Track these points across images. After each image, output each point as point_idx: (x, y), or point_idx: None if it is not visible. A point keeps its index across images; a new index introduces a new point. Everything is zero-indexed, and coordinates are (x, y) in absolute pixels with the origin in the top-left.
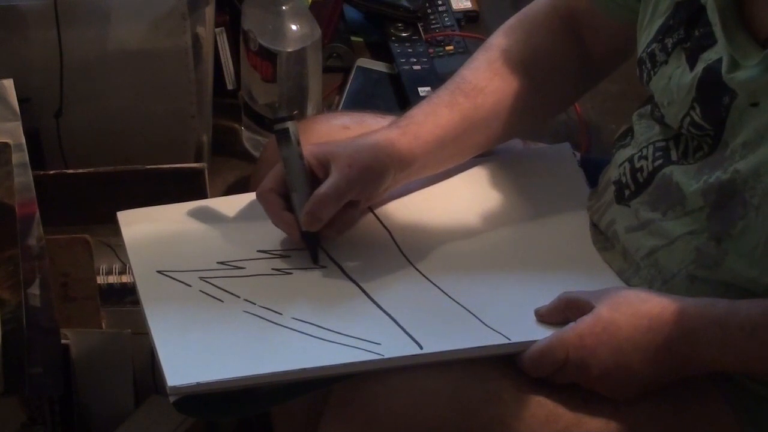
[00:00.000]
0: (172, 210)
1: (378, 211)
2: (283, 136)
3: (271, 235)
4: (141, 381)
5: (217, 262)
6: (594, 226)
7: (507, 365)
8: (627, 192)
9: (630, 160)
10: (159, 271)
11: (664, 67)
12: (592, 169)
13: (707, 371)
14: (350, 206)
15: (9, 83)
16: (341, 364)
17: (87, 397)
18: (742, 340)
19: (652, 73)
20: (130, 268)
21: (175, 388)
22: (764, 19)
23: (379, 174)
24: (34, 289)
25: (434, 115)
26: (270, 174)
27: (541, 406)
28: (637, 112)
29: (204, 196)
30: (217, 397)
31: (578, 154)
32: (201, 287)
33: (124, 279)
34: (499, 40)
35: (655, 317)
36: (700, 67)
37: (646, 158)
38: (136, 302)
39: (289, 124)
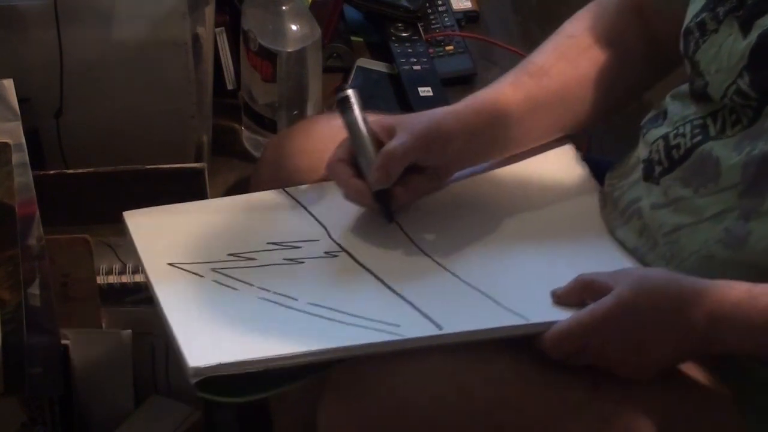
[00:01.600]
0: (177, 209)
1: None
2: (346, 104)
3: (280, 228)
4: (141, 381)
5: (228, 254)
6: (612, 204)
7: (510, 347)
8: (659, 169)
9: (665, 137)
10: (170, 264)
11: (715, 35)
12: (592, 169)
13: (727, 354)
14: (418, 172)
15: (9, 83)
16: (362, 344)
17: (87, 397)
18: (762, 323)
19: (700, 41)
20: (140, 264)
21: (197, 369)
22: None
23: (444, 135)
24: (34, 289)
25: (497, 93)
26: (337, 147)
27: (549, 388)
28: (671, 93)
29: (204, 196)
30: (231, 379)
31: (580, 153)
32: (214, 278)
33: (124, 279)
34: (568, 26)
35: (676, 299)
36: (754, 34)
37: (683, 135)
38: (137, 302)
39: (351, 92)
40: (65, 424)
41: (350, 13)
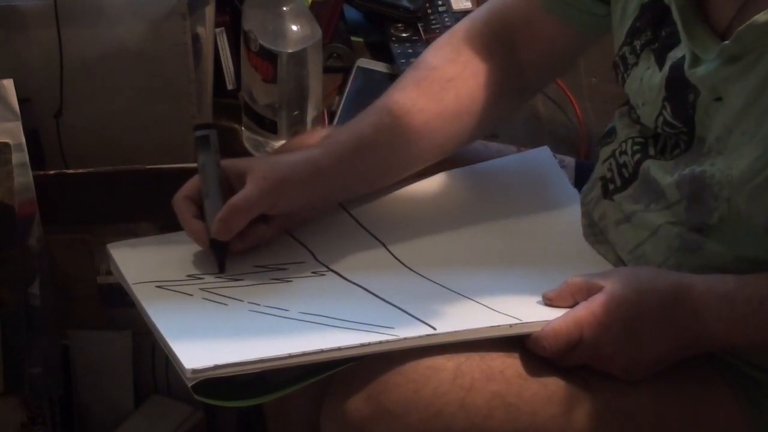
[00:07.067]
0: (160, 239)
1: (368, 225)
2: (203, 143)
3: (265, 252)
4: (141, 381)
5: (215, 277)
6: (589, 219)
7: (510, 344)
8: (612, 186)
9: (613, 155)
10: (158, 286)
11: (635, 68)
12: (589, 174)
13: (717, 347)
14: (262, 221)
15: (9, 83)
16: (358, 344)
17: (87, 397)
18: (749, 314)
19: (625, 75)
20: (129, 290)
21: (195, 370)
22: (722, 12)
23: (295, 188)
24: (34, 289)
25: (359, 136)
26: (188, 182)
27: (543, 385)
28: (619, 111)
29: None
30: (229, 383)
31: (572, 158)
32: (203, 296)
33: None
34: (429, 57)
35: (665, 293)
36: (667, 66)
37: (626, 153)
38: None
39: (211, 133)
40: (65, 424)
41: (350, 13)
